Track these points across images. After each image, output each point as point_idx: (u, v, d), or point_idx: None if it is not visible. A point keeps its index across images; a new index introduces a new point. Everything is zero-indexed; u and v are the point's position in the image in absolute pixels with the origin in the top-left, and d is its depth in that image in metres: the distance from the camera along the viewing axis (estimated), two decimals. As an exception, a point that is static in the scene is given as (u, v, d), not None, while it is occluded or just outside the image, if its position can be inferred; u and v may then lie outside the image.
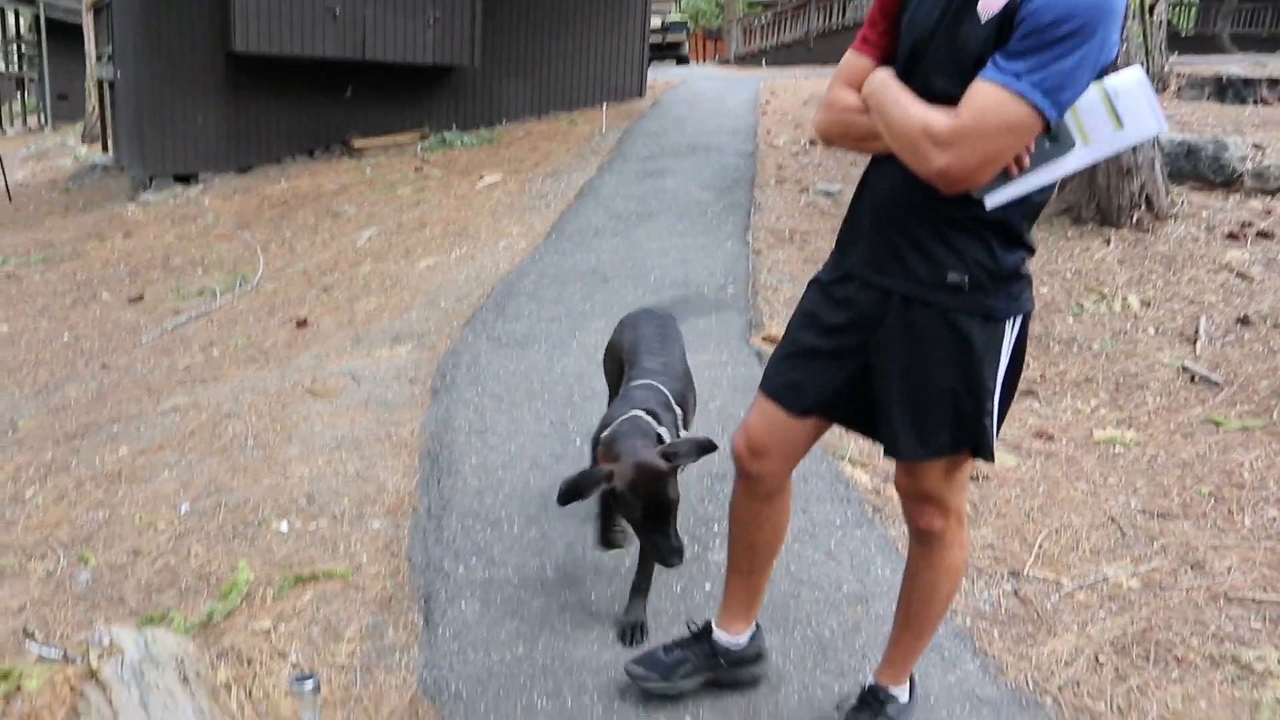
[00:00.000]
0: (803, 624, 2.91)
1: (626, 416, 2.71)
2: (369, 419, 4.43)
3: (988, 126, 1.80)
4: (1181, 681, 2.76)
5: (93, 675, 2.50)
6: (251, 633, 2.90)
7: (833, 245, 2.28)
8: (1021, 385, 4.81)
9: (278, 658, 2.78)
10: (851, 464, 3.88)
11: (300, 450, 4.13)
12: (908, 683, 2.50)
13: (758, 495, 2.41)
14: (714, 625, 2.61)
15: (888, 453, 2.20)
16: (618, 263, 6.57)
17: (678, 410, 2.92)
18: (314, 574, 3.19)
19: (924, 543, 2.30)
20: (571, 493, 2.47)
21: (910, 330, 2.06)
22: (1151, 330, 5.51)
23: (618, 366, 3.34)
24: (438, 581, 3.14)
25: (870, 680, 2.49)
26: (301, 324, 6.29)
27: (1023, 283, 2.07)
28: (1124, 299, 5.91)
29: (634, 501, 2.47)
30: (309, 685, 2.20)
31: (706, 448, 2.58)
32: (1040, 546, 3.43)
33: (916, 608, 2.36)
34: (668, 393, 2.92)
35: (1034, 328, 5.53)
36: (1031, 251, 2.07)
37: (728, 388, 4.60)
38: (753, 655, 2.64)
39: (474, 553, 3.30)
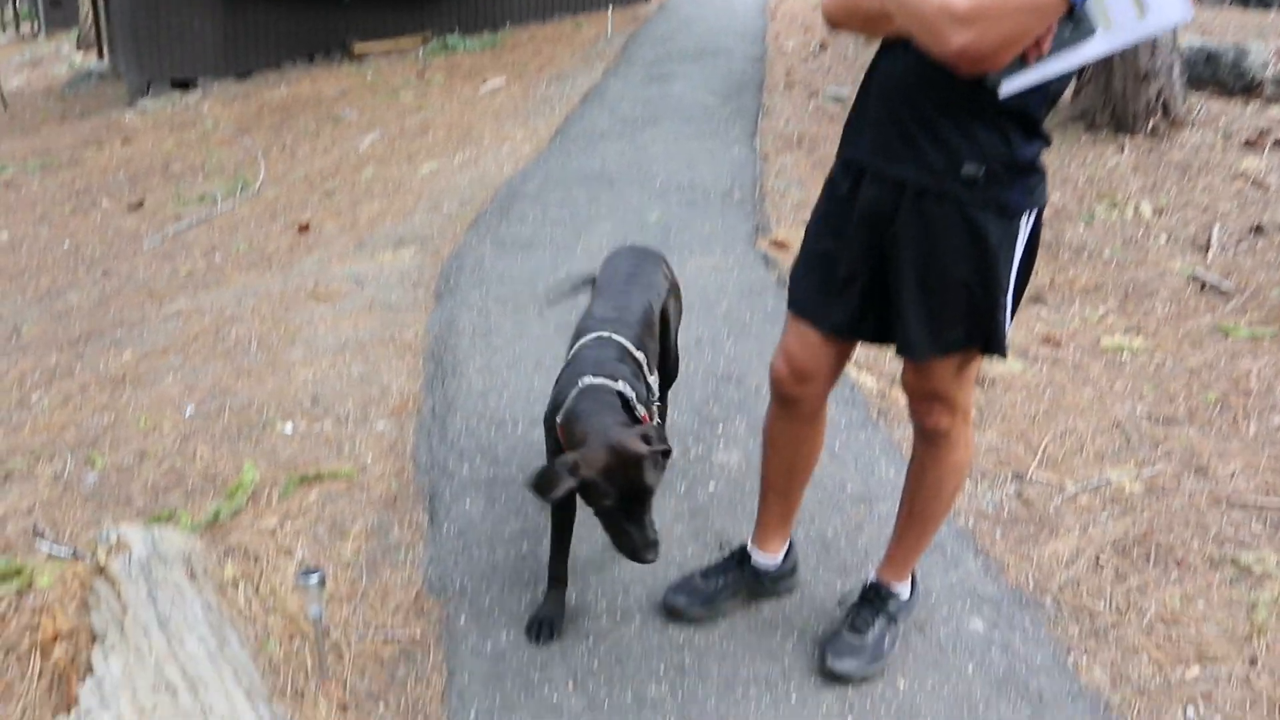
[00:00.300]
0: (806, 523, 2.92)
1: (581, 389, 2.34)
2: (373, 322, 4.41)
3: (1010, 4, 1.73)
4: (1180, 582, 2.77)
5: (101, 571, 2.53)
6: (258, 531, 2.92)
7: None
8: (1030, 291, 4.76)
9: (284, 555, 2.81)
10: (857, 367, 3.86)
11: (304, 353, 4.13)
12: (909, 580, 2.52)
13: (797, 419, 2.38)
14: (750, 546, 2.62)
15: (900, 352, 2.16)
16: (623, 166, 6.48)
17: (640, 356, 2.55)
18: (319, 474, 3.20)
19: (930, 441, 2.28)
20: (541, 491, 2.18)
21: (924, 225, 2.01)
22: (1163, 238, 5.44)
23: None
24: (442, 481, 3.15)
25: (872, 577, 2.51)
26: (303, 229, 6.24)
27: (1038, 176, 2.02)
28: (1136, 206, 5.82)
29: (608, 489, 2.14)
30: (314, 579, 2.21)
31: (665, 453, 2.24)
32: (1044, 450, 3.42)
33: (921, 506, 2.36)
34: (623, 341, 2.53)
35: (1044, 234, 5.47)
36: (1048, 143, 2.02)
37: (734, 291, 4.56)
38: (790, 570, 2.66)
39: (478, 452, 3.31)
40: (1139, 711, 2.34)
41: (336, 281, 4.98)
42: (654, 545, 2.19)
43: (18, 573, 2.76)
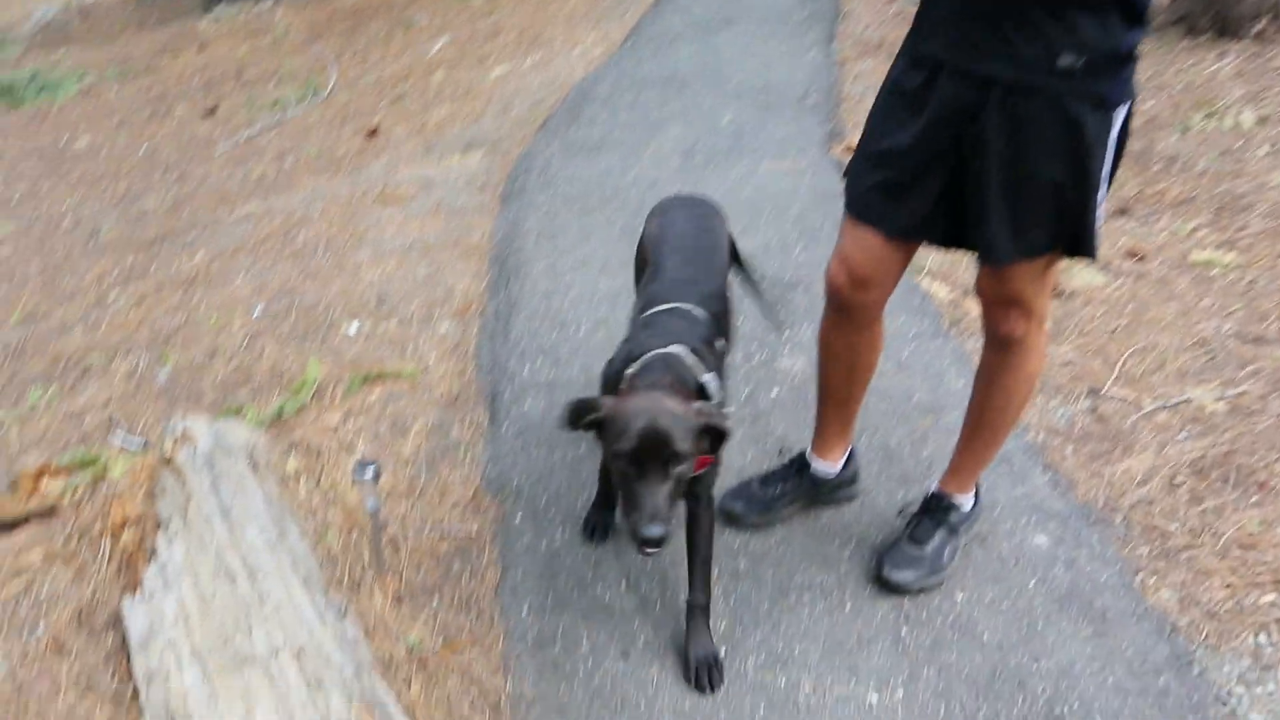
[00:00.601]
0: (870, 432, 2.86)
1: (662, 352, 2.02)
2: (439, 225, 4.40)
3: None
4: (1260, 506, 2.66)
5: (168, 462, 2.58)
6: (320, 427, 2.96)
7: None
8: (1116, 203, 4.58)
9: (345, 451, 2.84)
10: (930, 276, 3.74)
11: (371, 255, 4.14)
12: (973, 493, 2.45)
13: (855, 326, 2.30)
14: (809, 453, 2.57)
15: (982, 258, 2.05)
16: (696, 69, 6.32)
17: (721, 345, 2.22)
18: (382, 373, 3.23)
19: (1003, 349, 2.19)
20: (567, 416, 1.90)
21: (1014, 121, 1.88)
22: (1264, 149, 5.14)
23: (642, 266, 2.55)
24: (503, 381, 3.15)
25: (935, 488, 2.45)
26: (373, 133, 6.23)
27: (1133, 66, 1.88)
28: (1237, 116, 5.51)
29: (628, 429, 1.81)
30: (370, 472, 2.23)
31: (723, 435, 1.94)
32: (1123, 365, 3.29)
33: (989, 415, 2.28)
34: (707, 320, 2.19)
35: (1134, 144, 5.21)
36: (1147, 30, 1.87)
37: (805, 197, 4.44)
38: (850, 478, 2.62)
39: (540, 353, 3.30)
40: (1207, 635, 2.27)
41: (404, 185, 4.97)
42: (660, 519, 1.78)
43: (93, 462, 2.85)
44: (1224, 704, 2.10)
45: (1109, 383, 3.20)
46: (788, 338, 3.35)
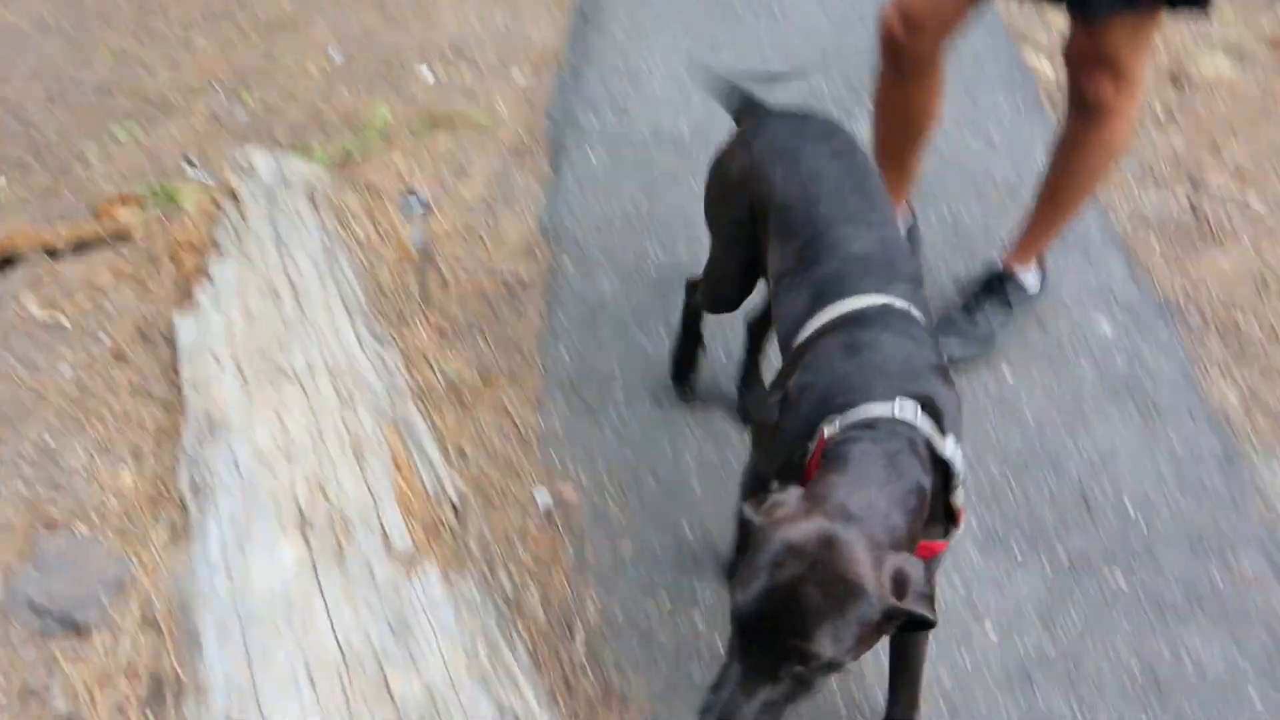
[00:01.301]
0: (939, 203, 2.73)
1: (886, 419, 1.24)
2: (525, -27, 4.24)
3: None
4: (1353, 316, 2.49)
5: (230, 192, 2.62)
6: (385, 169, 2.96)
7: None
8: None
9: (407, 192, 2.84)
10: (1036, 51, 3.48)
11: (452, 1, 4.04)
12: (1037, 271, 2.34)
13: (909, 74, 2.13)
14: None
15: (1074, 10, 1.87)
16: None
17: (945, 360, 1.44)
18: (451, 119, 3.19)
19: (1088, 115, 2.02)
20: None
21: None
22: None
23: (739, 218, 1.70)
24: (570, 132, 3.09)
25: (997, 262, 2.34)
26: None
27: None
28: None
29: (751, 580, 1.09)
30: (416, 203, 2.22)
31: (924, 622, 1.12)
32: (1234, 160, 3.05)
33: (1063, 185, 2.15)
34: (929, 327, 1.43)
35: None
36: None
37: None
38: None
39: (609, 105, 3.21)
40: (1265, 434, 2.18)
41: (495, -70, 4.77)
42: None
43: (166, 194, 2.91)
44: (1270, 507, 2.03)
45: (1215, 176, 2.98)
46: (869, 103, 3.17)
